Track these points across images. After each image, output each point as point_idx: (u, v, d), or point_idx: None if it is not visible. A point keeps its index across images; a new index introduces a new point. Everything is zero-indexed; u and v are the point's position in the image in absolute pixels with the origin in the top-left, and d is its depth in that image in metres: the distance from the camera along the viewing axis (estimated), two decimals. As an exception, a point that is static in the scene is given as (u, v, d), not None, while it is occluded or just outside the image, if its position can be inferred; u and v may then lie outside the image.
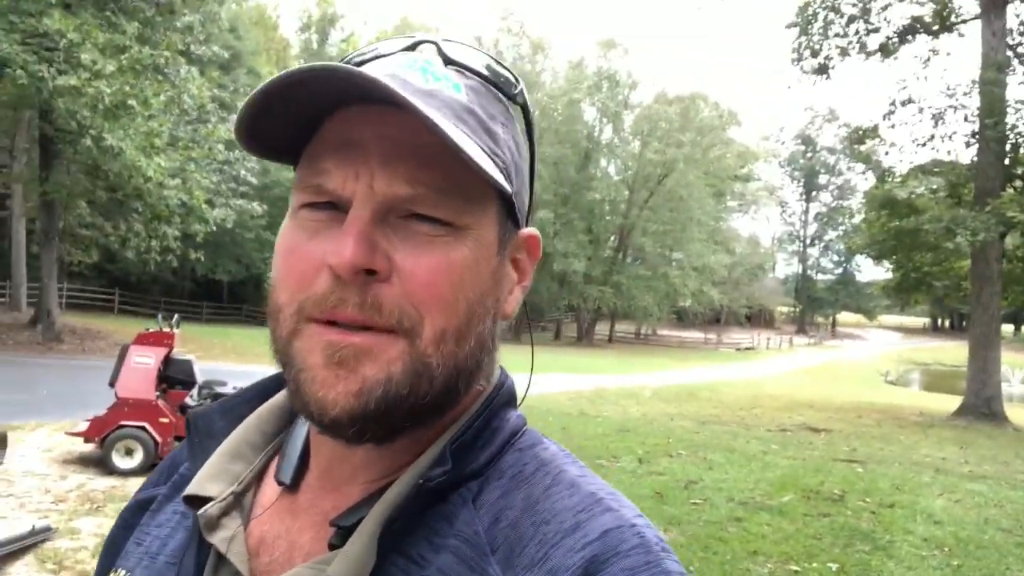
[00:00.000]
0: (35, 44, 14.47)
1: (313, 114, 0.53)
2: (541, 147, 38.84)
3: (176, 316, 7.67)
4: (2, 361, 14.23)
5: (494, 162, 0.53)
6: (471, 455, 0.56)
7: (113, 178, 17.16)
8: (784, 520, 6.10)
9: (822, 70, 18.16)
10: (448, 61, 0.57)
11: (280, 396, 0.65)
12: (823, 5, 17.56)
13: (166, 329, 7.17)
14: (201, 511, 0.57)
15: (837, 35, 17.78)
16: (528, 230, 0.61)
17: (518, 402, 0.64)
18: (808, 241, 65.25)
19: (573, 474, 0.56)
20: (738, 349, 44.00)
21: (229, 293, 36.32)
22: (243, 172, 22.92)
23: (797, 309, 65.52)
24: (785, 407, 15.67)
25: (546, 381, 17.78)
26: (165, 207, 17.63)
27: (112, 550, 0.68)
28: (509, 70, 0.60)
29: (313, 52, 52.27)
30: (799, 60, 18.22)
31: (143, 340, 6.91)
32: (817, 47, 17.91)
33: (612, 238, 43.73)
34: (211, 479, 0.59)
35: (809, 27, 17.76)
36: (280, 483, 0.60)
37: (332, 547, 0.53)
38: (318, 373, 0.51)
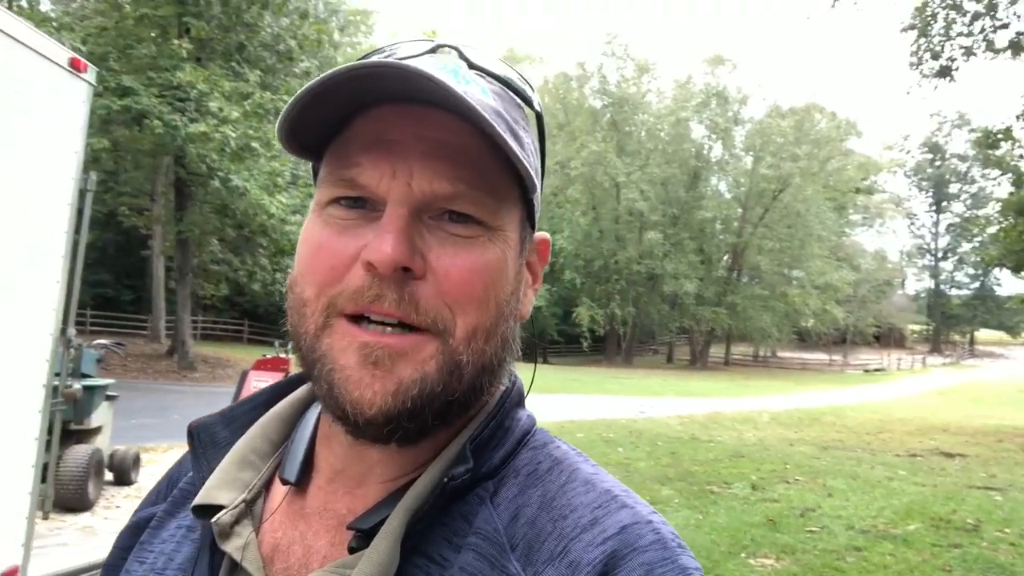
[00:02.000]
0: (170, 96, 15.73)
1: (349, 112, 0.53)
2: (648, 167, 38.55)
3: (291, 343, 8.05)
4: (142, 388, 15.33)
5: (524, 165, 0.53)
6: (487, 454, 0.56)
7: (240, 216, 18.32)
8: (909, 550, 5.70)
9: (944, 72, 17.12)
10: (471, 65, 0.57)
11: (285, 404, 0.65)
12: (943, 4, 16.61)
13: (282, 355, 7.55)
14: (214, 519, 0.56)
15: (960, 34, 16.75)
16: (540, 234, 0.62)
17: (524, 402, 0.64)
18: (940, 254, 61.27)
19: (587, 471, 0.56)
20: (866, 371, 41.65)
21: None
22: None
23: (930, 327, 61.45)
24: (916, 431, 14.68)
25: (657, 405, 17.45)
26: (287, 242, 18.64)
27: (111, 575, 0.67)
28: (524, 77, 0.61)
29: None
30: (918, 64, 17.26)
31: (261, 366, 7.29)
32: (938, 49, 16.92)
33: (725, 257, 42.61)
34: (220, 488, 0.58)
35: (928, 28, 16.82)
36: (285, 482, 0.59)
37: (352, 550, 0.52)
38: (353, 373, 0.50)
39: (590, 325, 37.66)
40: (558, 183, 40.81)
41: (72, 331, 3.12)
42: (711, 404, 18.45)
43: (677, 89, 43.15)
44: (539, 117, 0.63)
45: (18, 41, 2.85)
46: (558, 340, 43.28)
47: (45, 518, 5.01)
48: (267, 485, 0.61)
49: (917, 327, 63.13)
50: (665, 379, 29.68)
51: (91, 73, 3.24)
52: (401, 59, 0.55)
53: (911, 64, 17.18)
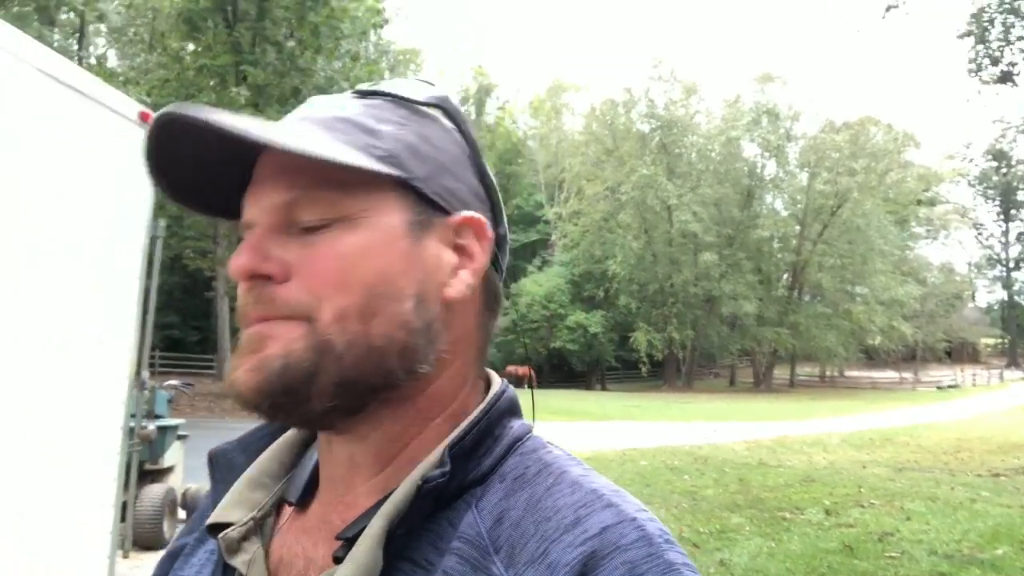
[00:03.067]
0: (229, 142, 16.28)
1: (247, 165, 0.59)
2: (700, 188, 38.19)
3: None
4: (210, 427, 15.68)
5: (369, 153, 0.56)
6: (473, 461, 0.58)
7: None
8: (999, 576, 5.42)
9: (1006, 78, 16.60)
10: (361, 94, 0.63)
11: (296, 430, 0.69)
12: (1000, 8, 16.16)
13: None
14: (221, 535, 0.60)
15: (1020, 38, 16.25)
16: (464, 213, 0.61)
17: (522, 414, 0.65)
18: (1011, 264, 58.90)
19: (576, 473, 0.57)
20: (939, 388, 40.05)
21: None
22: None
23: (1005, 340, 58.93)
24: (998, 449, 14.02)
25: (722, 430, 17.08)
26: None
27: None
28: (422, 83, 0.65)
29: (472, 121, 54.85)
30: (977, 71, 16.78)
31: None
32: (997, 54, 16.44)
33: (784, 276, 41.77)
34: (231, 507, 0.63)
35: (986, 34, 16.38)
36: (288, 503, 0.64)
37: (337, 560, 0.54)
38: (235, 361, 0.56)
39: (648, 350, 37.22)
40: (608, 208, 40.72)
41: (146, 374, 3.22)
42: (778, 427, 17.98)
43: (726, 109, 42.80)
44: (445, 110, 0.65)
45: (91, 98, 3.00)
46: (615, 366, 42.87)
47: (125, 556, 5.15)
48: (279, 505, 0.65)
49: (991, 341, 60.54)
50: (728, 403, 29.08)
51: (159, 125, 3.37)
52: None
53: (970, 71, 16.71)
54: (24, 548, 2.65)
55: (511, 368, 37.35)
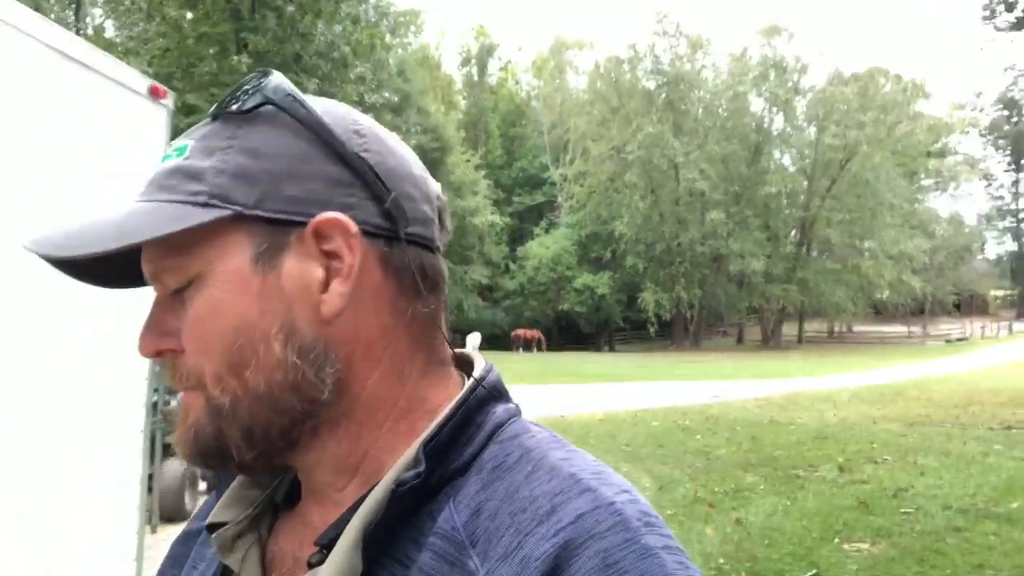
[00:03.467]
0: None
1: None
2: (707, 145, 37.80)
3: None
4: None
5: (193, 203, 0.53)
6: (453, 453, 0.56)
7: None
8: (1015, 529, 5.46)
9: (1021, 24, 16.28)
10: (213, 117, 0.60)
11: None
12: (1015, -47, 15.77)
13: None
14: (215, 534, 0.61)
15: (1036, -17, 15.88)
16: (321, 216, 0.55)
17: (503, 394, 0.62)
18: (1022, 215, 58.42)
19: (556, 457, 0.54)
20: (948, 341, 40.04)
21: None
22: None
23: (1015, 292, 58.69)
24: (1008, 402, 14.05)
25: (731, 388, 17.16)
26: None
27: None
28: (261, 73, 0.58)
29: (474, 83, 54.27)
30: (992, 16, 16.45)
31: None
32: (1012, 0, 16.09)
33: (792, 232, 41.58)
34: (228, 506, 0.64)
35: (1001, -21, 16.01)
36: (275, 503, 0.65)
37: (310, 565, 0.55)
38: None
39: (656, 310, 37.27)
40: (614, 169, 40.44)
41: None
42: (787, 385, 18.05)
43: (733, 63, 42.25)
44: (279, 104, 0.57)
45: (100, 73, 2.96)
46: (623, 327, 42.97)
47: (153, 531, 5.25)
48: (273, 504, 0.65)
49: (1001, 293, 60.34)
50: (737, 361, 29.18)
51: (169, 98, 3.33)
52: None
53: (984, 18, 16.38)
54: (55, 526, 2.69)
55: (519, 332, 37.61)
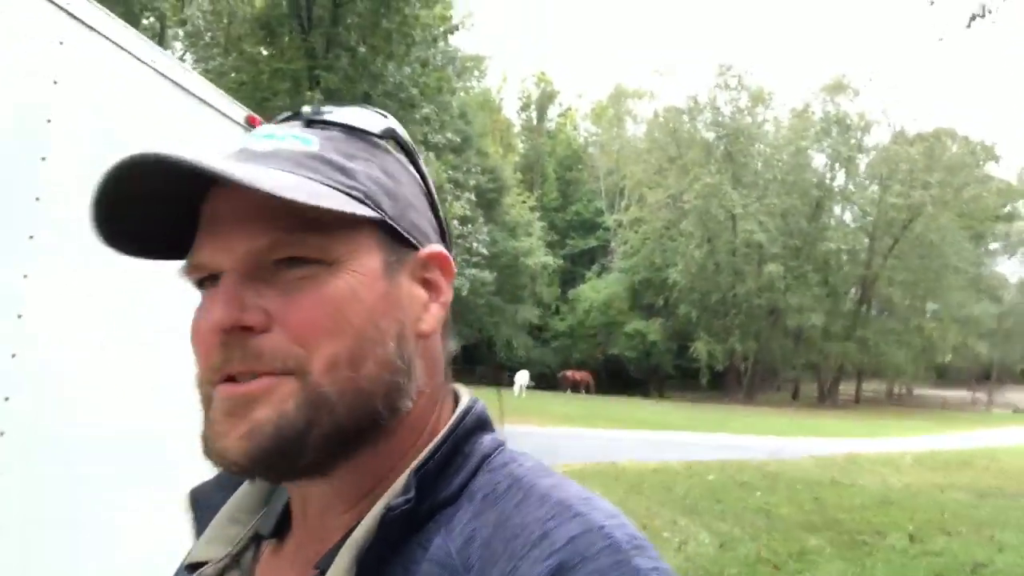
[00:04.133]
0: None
1: (186, 206, 0.57)
2: (766, 199, 37.51)
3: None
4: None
5: (349, 194, 0.56)
6: (443, 482, 0.57)
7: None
8: (1107, 617, 5.11)
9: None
10: (310, 123, 0.60)
11: None
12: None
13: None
14: (198, 572, 0.60)
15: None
16: (429, 248, 0.62)
17: (493, 426, 0.65)
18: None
19: (545, 486, 0.56)
20: (1015, 410, 38.40)
21: (464, 355, 38.36)
22: (475, 244, 24.46)
23: (1088, 363, 56.15)
24: (1087, 479, 13.31)
25: (787, 445, 16.64)
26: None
27: None
28: (377, 114, 0.64)
29: (533, 128, 54.97)
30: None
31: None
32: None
33: (853, 290, 40.64)
34: (209, 544, 0.62)
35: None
36: (261, 536, 0.63)
37: None
38: (218, 427, 0.53)
39: (708, 360, 36.65)
40: (670, 217, 40.28)
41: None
42: (845, 445, 17.41)
43: (794, 119, 41.95)
44: (400, 142, 0.64)
45: (204, 102, 3.04)
46: (673, 375, 42.33)
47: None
48: (256, 540, 0.64)
49: (1073, 363, 57.84)
50: (792, 418, 28.39)
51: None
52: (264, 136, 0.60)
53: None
54: (149, 542, 2.68)
55: (568, 373, 37.35)
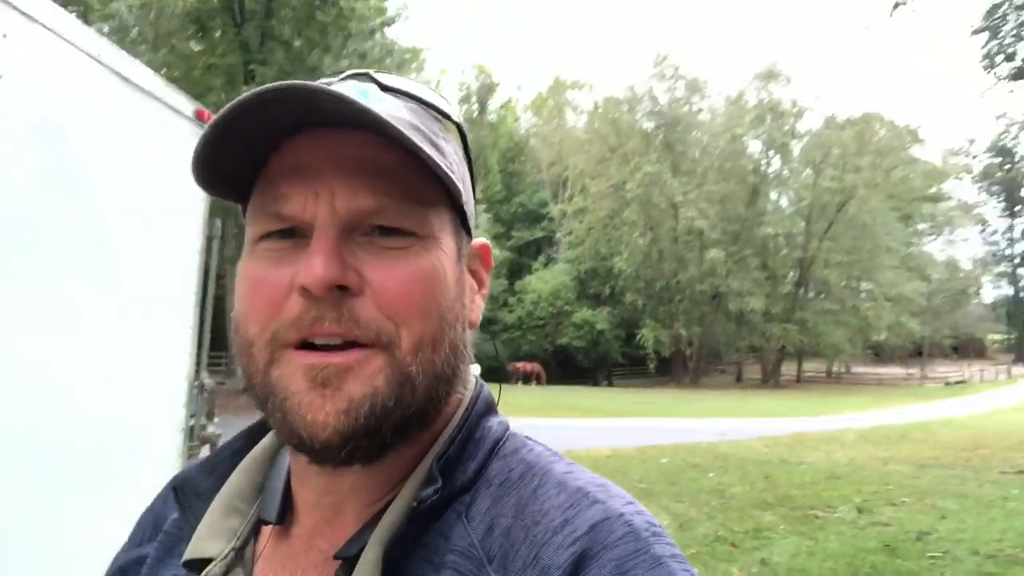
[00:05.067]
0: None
1: (259, 148, 0.53)
2: (705, 186, 38.17)
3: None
4: (228, 425, 15.66)
5: (449, 173, 0.54)
6: (458, 469, 0.56)
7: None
8: (1047, 576, 5.36)
9: (1020, 74, 16.57)
10: (384, 88, 0.57)
11: (265, 443, 0.65)
12: (1013, 6, 16.12)
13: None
14: (204, 572, 0.56)
15: (1034, 33, 16.21)
16: (480, 240, 0.63)
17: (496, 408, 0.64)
18: (1017, 260, 58.86)
19: (559, 471, 0.56)
20: (947, 384, 39.96)
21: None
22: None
23: (1012, 336, 58.88)
24: (1017, 446, 13.94)
25: (736, 427, 17.03)
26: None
27: None
28: (441, 95, 0.61)
29: (474, 120, 54.80)
30: (991, 66, 16.75)
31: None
32: (1011, 50, 16.40)
33: (791, 273, 41.70)
34: (208, 539, 0.58)
35: (999, 30, 16.34)
36: (266, 522, 0.60)
37: None
38: (303, 397, 0.50)
39: (655, 346, 37.20)
40: (614, 206, 40.68)
41: (205, 375, 3.17)
42: (791, 424, 17.91)
43: (730, 106, 42.74)
44: (460, 128, 0.62)
45: (151, 95, 2.94)
46: (622, 363, 42.84)
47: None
48: (256, 529, 0.61)
49: (998, 336, 60.55)
50: (738, 400, 29.02)
51: (215, 121, 3.31)
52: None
53: (984, 67, 16.67)
54: (92, 554, 2.58)
55: (518, 365, 37.41)
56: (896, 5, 17.99)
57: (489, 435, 0.60)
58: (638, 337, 37.57)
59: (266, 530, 0.61)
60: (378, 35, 23.05)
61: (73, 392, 2.47)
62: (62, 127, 2.41)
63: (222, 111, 0.49)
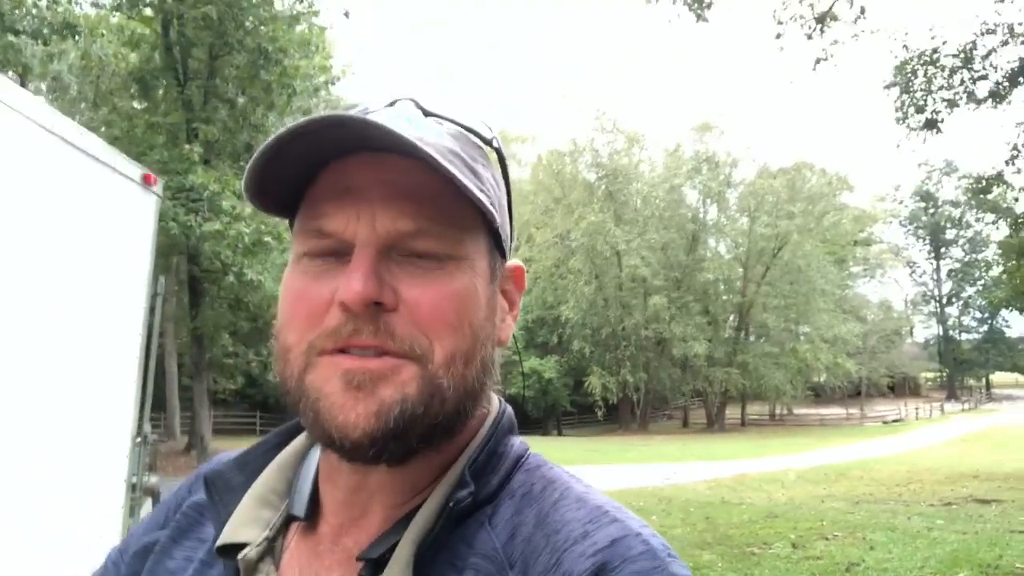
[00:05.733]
0: (183, 197, 16.23)
1: (308, 168, 0.56)
2: (647, 234, 39.03)
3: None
4: (166, 485, 15.22)
5: (485, 197, 0.57)
6: (484, 480, 0.59)
7: (253, 309, 18.60)
8: (962, 599, 5.66)
9: (931, 125, 17.63)
10: (427, 113, 0.61)
11: (299, 441, 0.68)
12: (921, 61, 17.25)
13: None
14: (241, 555, 0.58)
15: (941, 88, 17.33)
16: (513, 262, 0.66)
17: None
18: (944, 300, 61.43)
19: (579, 490, 0.59)
20: (885, 422, 41.16)
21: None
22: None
23: (943, 374, 61.08)
24: (946, 480, 14.52)
25: (681, 471, 17.27)
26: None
27: None
28: (482, 120, 0.64)
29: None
30: (904, 118, 17.80)
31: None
32: (922, 103, 17.49)
33: (731, 317, 42.71)
34: (243, 526, 0.61)
35: (910, 84, 17.42)
36: (295, 517, 0.62)
37: None
38: (337, 398, 0.53)
39: (602, 393, 37.46)
40: (559, 255, 41.30)
41: (148, 428, 3.26)
42: (734, 466, 18.24)
43: (668, 157, 44.10)
44: (499, 153, 0.65)
45: (98, 160, 3.10)
46: (571, 411, 42.95)
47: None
48: (286, 524, 0.63)
49: (931, 374, 62.76)
50: (684, 444, 29.36)
51: (159, 186, 3.48)
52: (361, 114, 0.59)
53: (897, 119, 17.70)
54: None
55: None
56: (818, 60, 19.13)
57: (512, 451, 0.63)
58: (586, 384, 37.84)
59: (293, 526, 0.63)
60: (323, 92, 23.39)
61: (16, 450, 2.55)
62: (9, 194, 2.56)
63: (279, 134, 0.52)
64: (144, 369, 3.31)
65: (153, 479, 3.11)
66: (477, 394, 0.59)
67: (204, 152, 17.83)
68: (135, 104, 20.51)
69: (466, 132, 0.62)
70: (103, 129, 20.50)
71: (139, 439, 3.20)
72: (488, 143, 0.64)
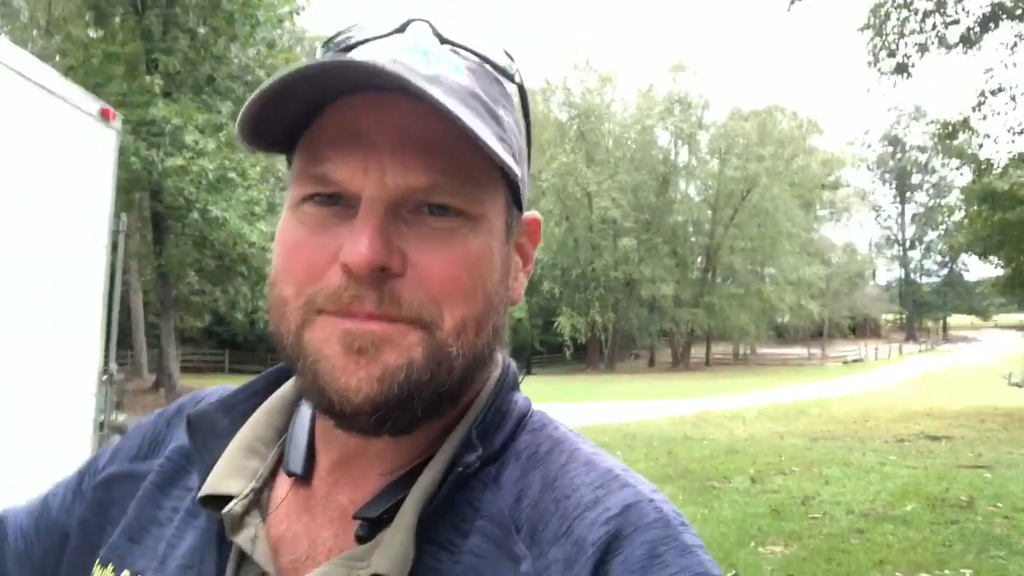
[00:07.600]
0: (144, 132, 15.78)
1: (314, 104, 0.51)
2: (618, 175, 39.00)
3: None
4: (131, 424, 15.20)
5: (505, 148, 0.52)
6: (489, 438, 0.56)
7: (219, 247, 18.32)
8: (909, 529, 5.94)
9: (902, 69, 17.65)
10: (444, 40, 0.55)
11: (287, 387, 0.63)
12: (895, 4, 17.17)
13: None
14: (225, 510, 0.55)
15: (913, 32, 17.30)
16: (530, 213, 0.62)
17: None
18: (908, 244, 62.67)
19: (587, 451, 0.56)
20: (845, 362, 42.35)
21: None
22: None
23: (903, 316, 62.66)
24: (900, 418, 15.05)
25: (645, 407, 17.67)
26: (268, 269, 18.65)
27: (88, 534, 0.65)
28: (504, 49, 0.58)
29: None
30: (876, 62, 17.78)
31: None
32: (893, 47, 17.45)
33: (699, 259, 43.19)
34: (228, 476, 0.57)
35: (883, 27, 17.37)
36: (291, 474, 0.58)
37: (360, 539, 0.52)
38: (337, 361, 0.49)
39: (572, 334, 37.92)
40: (531, 196, 40.88)
41: (114, 366, 3.25)
42: (698, 404, 18.68)
43: (640, 98, 43.77)
44: (521, 89, 0.60)
45: (54, 94, 3.00)
46: (540, 350, 43.48)
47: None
48: (273, 473, 0.60)
49: (891, 316, 64.41)
50: (650, 382, 29.95)
51: (118, 121, 3.38)
52: (366, 40, 0.55)
53: (869, 63, 17.69)
54: None
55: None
56: (793, 1, 18.97)
57: (516, 408, 0.60)
58: (555, 325, 38.23)
59: (282, 478, 0.59)
60: (287, 23, 22.66)
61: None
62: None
63: (278, 76, 0.47)
64: (108, 307, 3.27)
65: (121, 417, 3.12)
66: (485, 361, 0.55)
67: (165, 84, 17.30)
68: (91, 32, 19.72)
69: (486, 66, 0.56)
70: (57, 59, 19.75)
71: (105, 377, 3.18)
72: (510, 78, 0.58)
